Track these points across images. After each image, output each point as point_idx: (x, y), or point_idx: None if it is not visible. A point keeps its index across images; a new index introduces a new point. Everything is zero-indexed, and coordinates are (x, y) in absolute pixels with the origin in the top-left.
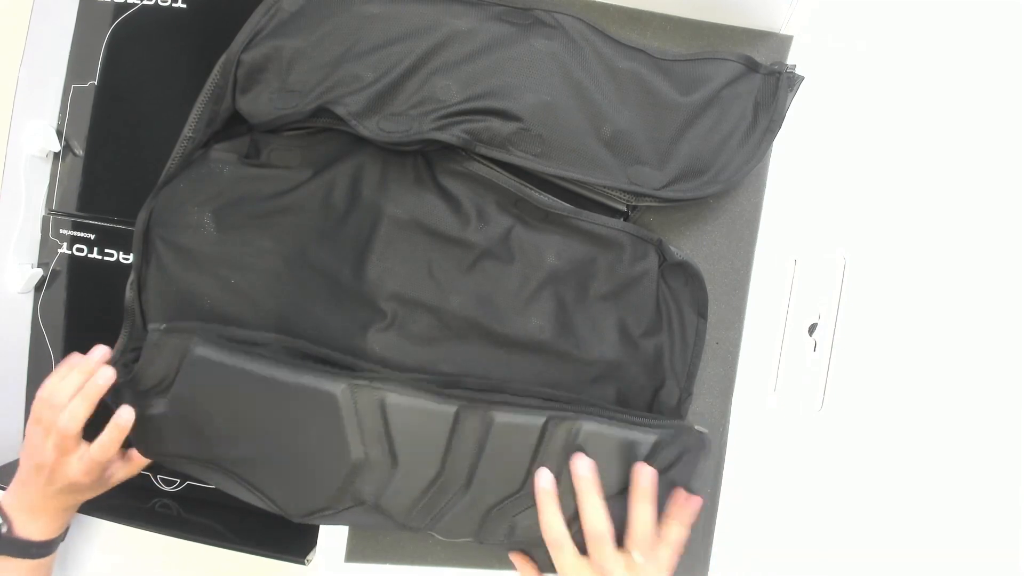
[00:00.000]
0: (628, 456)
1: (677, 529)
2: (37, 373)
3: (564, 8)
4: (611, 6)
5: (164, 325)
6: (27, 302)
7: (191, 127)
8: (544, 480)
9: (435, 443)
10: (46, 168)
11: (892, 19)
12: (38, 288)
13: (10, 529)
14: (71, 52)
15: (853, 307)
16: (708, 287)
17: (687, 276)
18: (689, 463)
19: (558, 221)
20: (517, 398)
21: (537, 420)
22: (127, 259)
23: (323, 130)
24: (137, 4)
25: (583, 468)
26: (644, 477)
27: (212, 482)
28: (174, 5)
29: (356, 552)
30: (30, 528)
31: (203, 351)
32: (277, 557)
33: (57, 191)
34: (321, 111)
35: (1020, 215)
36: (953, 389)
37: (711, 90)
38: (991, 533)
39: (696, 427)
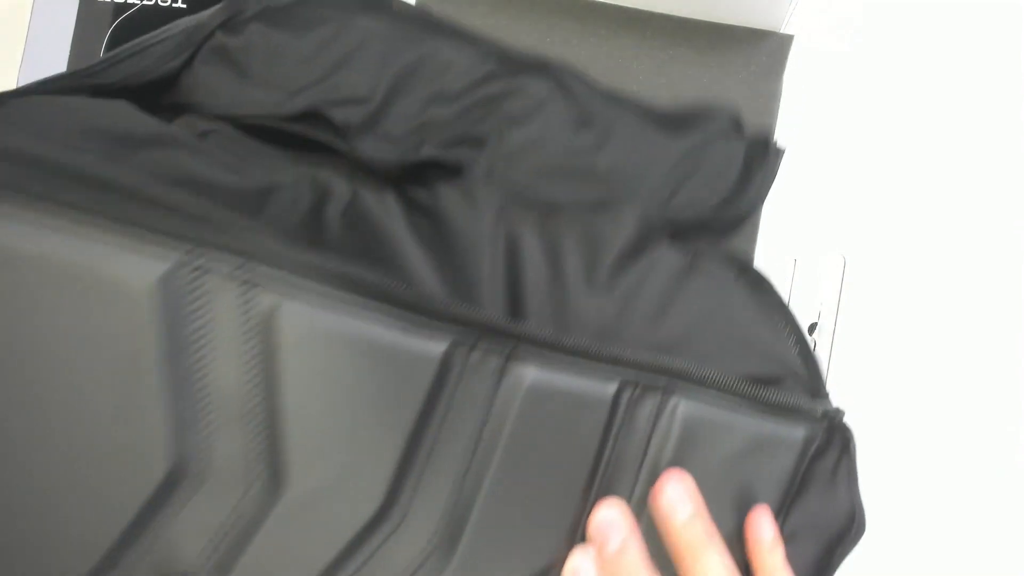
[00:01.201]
0: (761, 471)
1: None
2: None
3: (555, 59)
4: (611, 6)
5: None
6: None
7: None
8: (581, 563)
9: (387, 428)
10: None
11: (893, 19)
12: None
13: None
14: (71, 52)
15: (853, 307)
16: None
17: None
18: (848, 480)
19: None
20: (561, 342)
21: (605, 387)
22: None
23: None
24: (137, 4)
25: (680, 501)
26: (761, 528)
27: None
28: (174, 5)
29: None
30: None
31: None
32: None
33: None
34: (307, 116)
35: (1020, 215)
36: (954, 388)
37: (699, 139)
38: (992, 532)
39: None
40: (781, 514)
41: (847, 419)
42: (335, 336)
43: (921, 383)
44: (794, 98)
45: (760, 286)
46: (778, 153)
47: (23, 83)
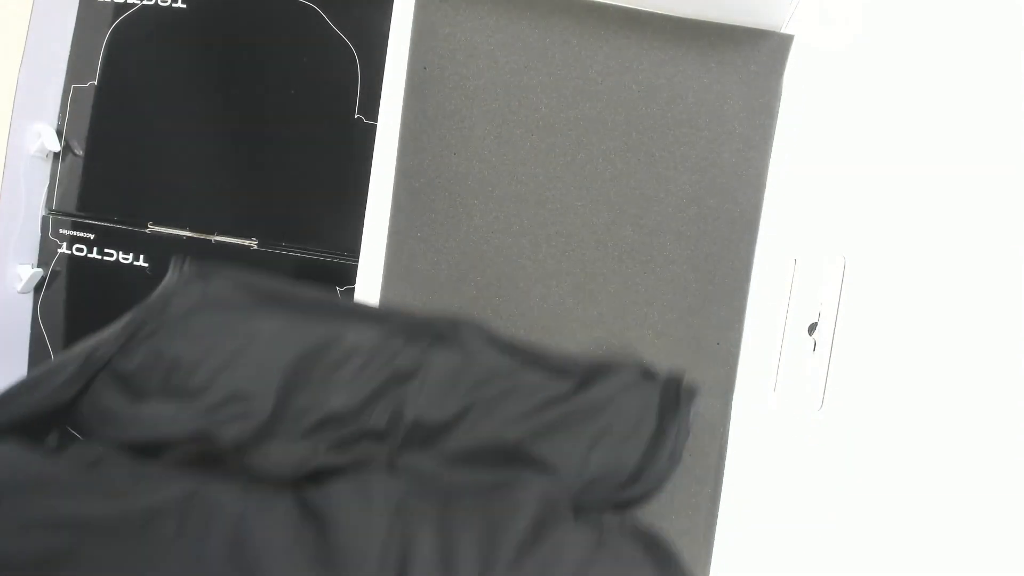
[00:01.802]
0: None
1: None
2: None
3: (465, 319)
4: (611, 6)
5: None
6: (27, 302)
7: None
8: None
9: None
10: (46, 168)
11: (893, 20)
12: (38, 288)
13: None
14: (71, 52)
15: (853, 307)
16: (708, 287)
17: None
18: None
19: None
20: None
21: None
22: (127, 259)
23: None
24: (137, 4)
25: None
26: None
27: None
28: (174, 5)
29: None
30: None
31: None
32: None
33: (57, 191)
34: (198, 436)
35: (1020, 216)
36: (952, 388)
37: (608, 392)
38: (991, 532)
39: None
40: None
41: (854, 419)
42: None
43: (920, 381)
44: (794, 98)
45: (667, 566)
46: (691, 394)
47: (23, 84)
